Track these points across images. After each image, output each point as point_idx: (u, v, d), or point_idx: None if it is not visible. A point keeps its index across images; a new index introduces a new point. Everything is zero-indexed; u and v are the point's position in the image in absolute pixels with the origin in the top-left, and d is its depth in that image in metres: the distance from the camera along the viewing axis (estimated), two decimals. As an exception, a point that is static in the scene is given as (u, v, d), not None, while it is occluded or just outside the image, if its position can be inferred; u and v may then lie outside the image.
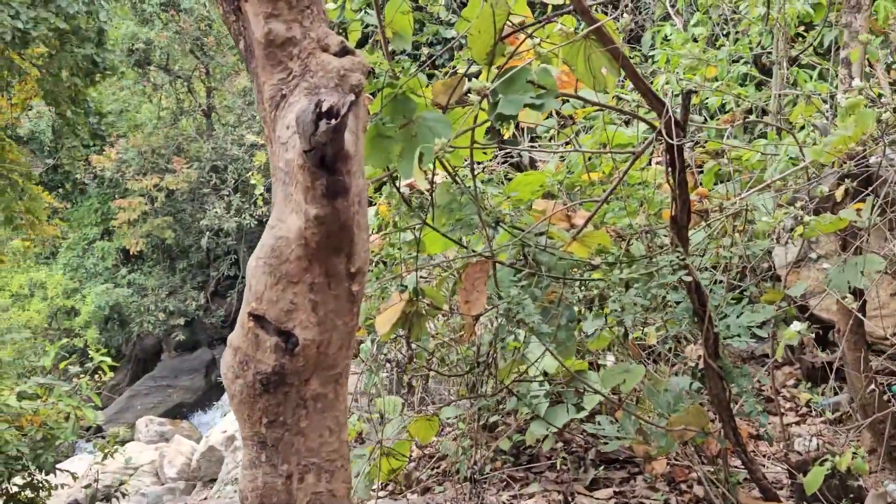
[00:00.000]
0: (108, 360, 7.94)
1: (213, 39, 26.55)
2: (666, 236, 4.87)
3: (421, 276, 4.15)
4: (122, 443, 9.56)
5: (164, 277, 27.99)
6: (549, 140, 6.19)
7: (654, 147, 4.74)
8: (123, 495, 9.60)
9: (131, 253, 27.19)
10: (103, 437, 9.42)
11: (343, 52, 2.60)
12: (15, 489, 8.23)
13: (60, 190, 28.44)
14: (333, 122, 2.29)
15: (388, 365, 5.93)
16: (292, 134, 2.44)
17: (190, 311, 27.36)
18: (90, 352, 8.03)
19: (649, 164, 5.47)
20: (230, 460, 14.28)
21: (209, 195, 26.51)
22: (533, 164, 8.60)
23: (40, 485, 8.42)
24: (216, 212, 25.31)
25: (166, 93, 28.32)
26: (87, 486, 9.29)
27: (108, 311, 26.59)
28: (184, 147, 27.49)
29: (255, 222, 25.40)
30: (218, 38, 26.63)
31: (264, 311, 2.50)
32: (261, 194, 20.30)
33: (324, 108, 2.30)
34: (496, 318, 4.32)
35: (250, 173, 21.43)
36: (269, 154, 2.67)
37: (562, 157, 5.74)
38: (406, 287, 3.88)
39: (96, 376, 8.44)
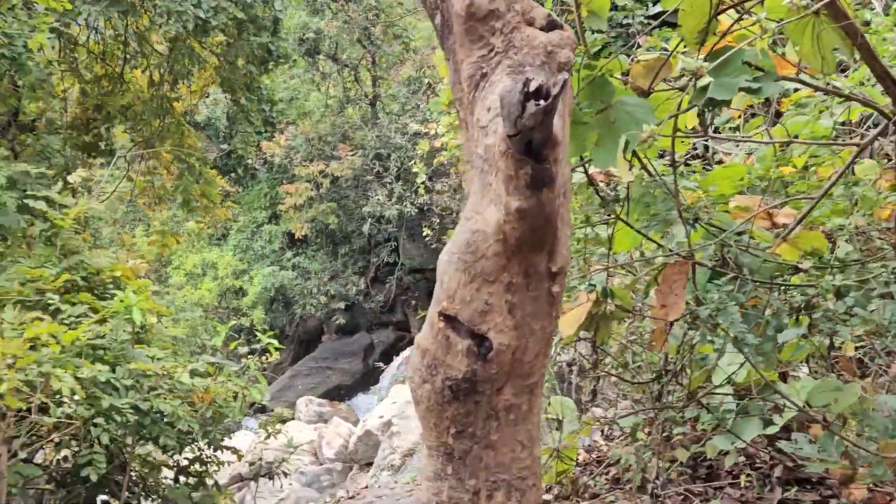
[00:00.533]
0: (275, 342, 8.04)
1: (381, 28, 26.90)
2: (881, 239, 4.36)
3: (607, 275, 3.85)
4: (283, 422, 9.69)
5: (326, 262, 28.73)
6: (735, 130, 5.73)
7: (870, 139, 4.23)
8: (285, 474, 9.80)
9: (296, 237, 28.03)
10: (267, 417, 9.64)
11: (550, 25, 2.32)
12: (185, 462, 8.51)
13: (233, 174, 29.63)
14: (543, 103, 2.02)
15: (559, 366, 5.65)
16: (494, 117, 2.18)
17: (350, 295, 27.98)
18: (257, 333, 8.15)
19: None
20: (386, 446, 14.40)
21: (372, 182, 26.96)
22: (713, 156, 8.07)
23: (209, 459, 8.66)
24: (378, 199, 25.70)
25: (334, 81, 28.96)
26: (251, 463, 9.51)
27: (273, 293, 27.56)
28: (349, 135, 28.07)
29: (416, 210, 25.63)
30: (385, 27, 26.98)
31: (456, 311, 2.27)
32: (422, 183, 20.46)
33: (531, 88, 2.04)
34: (687, 322, 3.96)
35: (413, 162, 21.62)
36: (465, 139, 2.44)
37: (750, 150, 5.29)
38: (595, 286, 3.59)
39: (263, 357, 8.58)
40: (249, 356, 8.31)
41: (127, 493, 8.22)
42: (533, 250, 2.22)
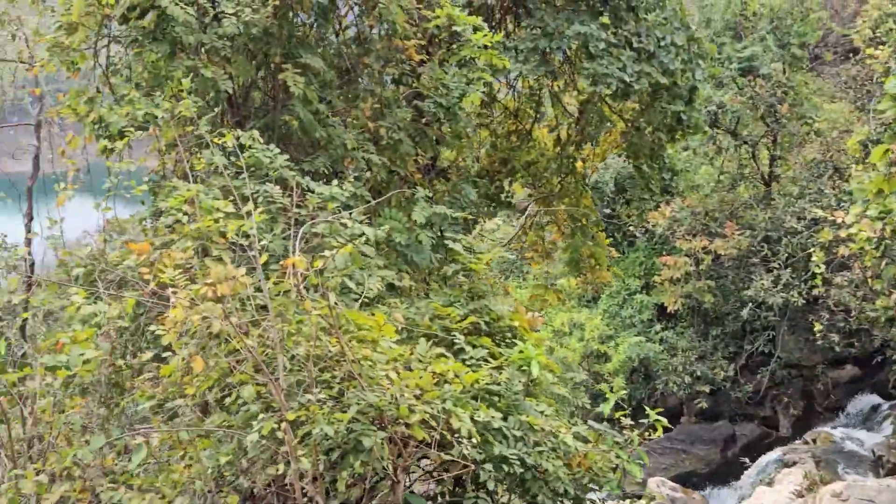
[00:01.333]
0: (664, 420, 7.59)
1: (788, 107, 25.60)
2: None
3: None
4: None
5: (695, 341, 27.67)
6: None
7: None
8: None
9: (669, 310, 27.33)
10: (638, 497, 9.21)
11: None
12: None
13: (611, 239, 29.72)
14: None
15: None
16: None
17: (717, 380, 26.64)
18: (645, 408, 7.76)
19: None
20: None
21: (757, 266, 25.54)
22: None
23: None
24: (763, 283, 24.22)
25: (729, 157, 28.05)
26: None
27: (636, 363, 27.05)
28: (738, 213, 26.94)
29: (803, 301, 23.78)
30: (792, 106, 25.64)
31: None
32: (820, 273, 18.87)
33: None
34: None
35: (812, 249, 20.08)
36: None
37: None
38: None
39: (646, 433, 8.17)
40: (633, 429, 7.94)
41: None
42: None
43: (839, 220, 16.60)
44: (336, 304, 5.54)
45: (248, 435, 5.50)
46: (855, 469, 18.18)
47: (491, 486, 6.41)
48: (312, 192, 7.44)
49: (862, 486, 13.94)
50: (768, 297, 24.07)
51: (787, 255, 24.76)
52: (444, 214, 9.21)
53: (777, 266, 24.70)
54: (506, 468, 6.53)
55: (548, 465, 6.90)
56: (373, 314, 6.36)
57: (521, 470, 6.61)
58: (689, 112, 13.10)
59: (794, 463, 18.63)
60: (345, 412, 5.51)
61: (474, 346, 7.42)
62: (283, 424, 5.28)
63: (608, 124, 14.76)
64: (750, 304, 25.04)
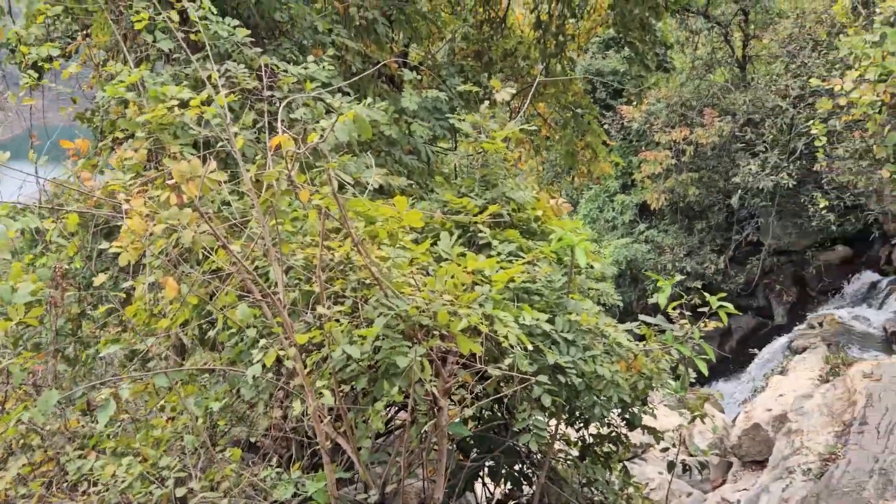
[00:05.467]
0: (730, 306, 6.43)
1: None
2: None
3: None
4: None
5: (681, 237, 26.70)
6: None
7: None
8: (703, 466, 8.28)
9: (652, 208, 26.29)
10: (690, 397, 8.16)
11: None
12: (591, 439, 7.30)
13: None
14: None
15: None
16: None
17: (708, 274, 25.77)
18: (705, 294, 6.59)
19: None
20: (784, 444, 12.33)
21: (741, 152, 24.41)
22: None
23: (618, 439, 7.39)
24: (750, 168, 23.09)
25: (702, 41, 26.69)
26: (664, 449, 8.08)
27: (624, 266, 26.08)
28: (715, 99, 25.69)
29: (794, 182, 22.75)
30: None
31: None
32: (822, 146, 17.79)
33: None
34: None
35: (811, 122, 18.95)
36: None
37: None
38: None
39: (701, 324, 7.02)
40: (691, 320, 6.81)
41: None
42: None
43: (836, 88, 15.47)
44: (340, 189, 4.22)
45: (246, 371, 4.24)
46: (870, 348, 17.43)
47: (547, 401, 5.22)
48: (286, 72, 6.04)
49: (890, 364, 13.09)
50: (757, 182, 23.01)
51: (771, 136, 23.66)
52: (439, 98, 7.87)
53: (763, 149, 23.61)
54: (562, 378, 5.35)
55: (603, 371, 5.73)
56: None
57: (579, 379, 5.43)
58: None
59: (805, 349, 17.82)
60: (366, 329, 4.25)
61: (500, 242, 6.17)
62: (293, 350, 4.00)
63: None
64: (739, 191, 24.00)
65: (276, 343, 4.29)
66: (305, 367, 4.26)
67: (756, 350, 19.43)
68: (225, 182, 4.33)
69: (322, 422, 4.33)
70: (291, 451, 5.47)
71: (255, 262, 4.74)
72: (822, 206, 17.68)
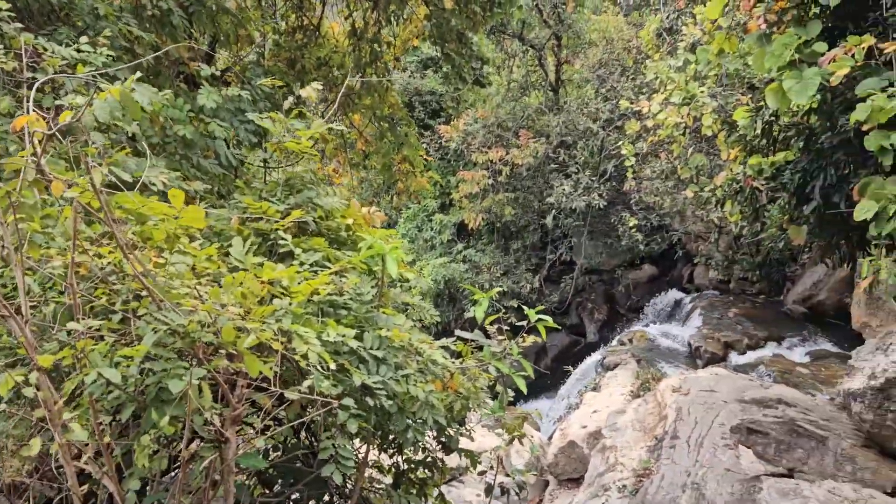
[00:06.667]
0: (549, 319, 6.14)
1: (572, 6, 24.88)
2: None
3: None
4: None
5: (498, 256, 26.91)
6: None
7: None
8: (521, 488, 7.97)
9: (469, 228, 26.37)
10: (509, 417, 7.85)
11: None
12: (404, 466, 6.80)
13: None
14: None
15: None
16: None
17: (524, 293, 26.05)
18: (525, 309, 6.25)
19: None
20: (599, 461, 12.32)
21: (555, 172, 24.91)
22: None
23: (432, 464, 6.94)
24: (563, 189, 23.58)
25: (517, 63, 27.15)
26: (481, 473, 7.73)
27: (442, 285, 25.96)
28: (530, 121, 26.15)
29: (605, 203, 23.40)
30: (577, 6, 24.98)
31: None
32: (630, 167, 18.28)
33: None
34: None
35: (621, 143, 19.49)
36: None
37: None
38: None
39: (520, 339, 6.71)
40: (509, 335, 6.46)
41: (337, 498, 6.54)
42: None
43: (644, 110, 15.92)
44: (101, 178, 3.51)
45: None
46: (675, 362, 18.00)
47: (353, 427, 4.64)
48: (53, 54, 5.21)
49: (696, 378, 13.43)
50: (570, 202, 23.50)
51: (583, 158, 24.27)
52: (242, 97, 7.21)
53: (576, 170, 24.18)
54: (371, 401, 4.81)
55: (417, 392, 5.24)
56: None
57: (389, 401, 4.91)
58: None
59: (616, 365, 18.16)
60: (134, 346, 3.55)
61: (304, 251, 5.58)
62: (36, 375, 3.25)
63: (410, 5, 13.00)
64: (553, 211, 24.44)
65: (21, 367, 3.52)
66: (60, 393, 3.51)
67: (571, 367, 19.71)
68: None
69: (79, 460, 3.58)
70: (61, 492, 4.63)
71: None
72: (631, 225, 18.18)
